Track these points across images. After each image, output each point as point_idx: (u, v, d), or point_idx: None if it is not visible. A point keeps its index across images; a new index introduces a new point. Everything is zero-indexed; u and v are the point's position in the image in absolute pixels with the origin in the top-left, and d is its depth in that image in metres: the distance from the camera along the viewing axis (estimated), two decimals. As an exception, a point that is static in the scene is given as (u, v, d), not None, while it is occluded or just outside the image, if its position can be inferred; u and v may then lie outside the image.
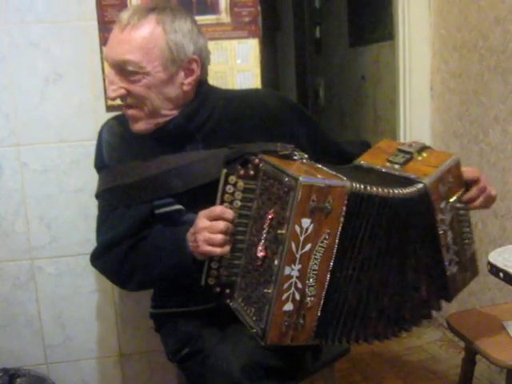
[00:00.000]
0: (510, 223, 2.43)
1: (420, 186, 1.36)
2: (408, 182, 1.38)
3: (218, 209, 1.38)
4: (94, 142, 1.68)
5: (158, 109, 1.53)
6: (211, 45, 1.66)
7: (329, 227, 1.26)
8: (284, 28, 5.50)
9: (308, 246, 1.25)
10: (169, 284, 1.64)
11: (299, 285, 1.27)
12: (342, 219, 1.27)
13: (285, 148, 1.43)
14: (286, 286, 1.26)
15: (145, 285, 1.64)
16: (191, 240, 1.42)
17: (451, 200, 1.43)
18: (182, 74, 1.53)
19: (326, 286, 1.29)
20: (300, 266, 1.25)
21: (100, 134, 1.68)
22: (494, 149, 2.48)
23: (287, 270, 1.25)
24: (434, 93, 2.90)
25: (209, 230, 1.37)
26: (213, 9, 2.07)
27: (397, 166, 1.47)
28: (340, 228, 1.27)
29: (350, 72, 4.15)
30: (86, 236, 2.10)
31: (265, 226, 1.30)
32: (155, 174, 1.55)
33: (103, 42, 1.99)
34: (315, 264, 1.27)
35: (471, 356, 1.86)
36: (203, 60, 1.57)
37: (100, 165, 1.66)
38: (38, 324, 2.20)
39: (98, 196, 1.65)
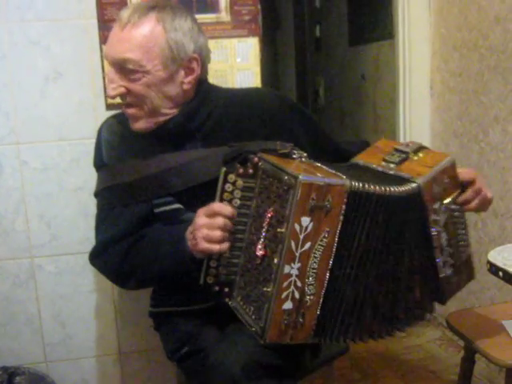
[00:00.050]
0: (510, 222, 2.43)
1: (413, 185, 1.36)
2: (401, 181, 1.38)
3: (216, 205, 1.38)
4: (94, 141, 1.68)
5: (157, 107, 1.53)
6: (211, 43, 1.66)
7: (328, 226, 1.26)
8: (284, 27, 5.51)
9: (307, 245, 1.25)
10: (168, 283, 1.64)
11: (299, 283, 1.27)
12: (341, 218, 1.27)
13: (284, 147, 1.43)
14: (285, 284, 1.26)
15: (144, 283, 1.64)
16: (190, 238, 1.42)
17: (446, 201, 1.42)
18: (182, 72, 1.53)
19: (325, 285, 1.30)
20: (299, 264, 1.25)
21: (99, 132, 1.67)
22: (494, 148, 2.48)
23: (287, 269, 1.25)
24: (434, 92, 2.90)
25: (207, 226, 1.37)
26: (213, 7, 2.07)
27: (392, 166, 1.46)
28: (339, 226, 1.28)
29: (350, 71, 4.15)
30: (85, 234, 2.10)
31: (264, 225, 1.30)
32: (155, 172, 1.55)
33: (103, 40, 1.99)
34: (315, 262, 1.27)
35: (470, 355, 1.86)
36: (203, 59, 1.57)
37: (99, 163, 1.65)
38: (38, 322, 2.20)
39: (96, 195, 1.65)
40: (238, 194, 1.39)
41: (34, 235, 2.13)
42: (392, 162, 1.47)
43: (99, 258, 1.61)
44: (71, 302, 2.20)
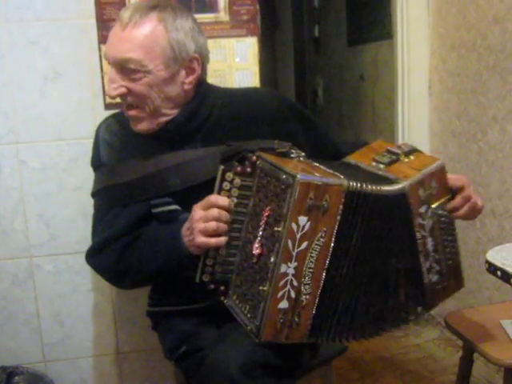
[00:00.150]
0: (508, 222, 2.43)
1: (397, 187, 1.35)
2: (387, 182, 1.38)
3: (212, 197, 1.39)
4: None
5: (158, 108, 1.52)
6: (210, 43, 1.66)
7: (325, 225, 1.27)
8: (283, 27, 5.51)
9: (304, 244, 1.25)
10: (165, 282, 1.64)
11: (295, 283, 1.27)
12: (338, 217, 1.28)
13: (282, 146, 1.44)
14: (281, 283, 1.26)
15: (140, 282, 1.64)
16: (187, 234, 1.42)
17: (433, 206, 1.40)
18: (183, 72, 1.53)
19: (321, 285, 1.30)
20: (296, 263, 1.26)
21: (97, 132, 1.67)
22: (493, 148, 2.48)
23: (283, 268, 1.25)
24: (433, 92, 2.90)
25: (203, 219, 1.37)
26: (211, 7, 2.07)
27: (381, 166, 1.46)
28: (336, 226, 1.28)
29: (349, 71, 4.15)
30: (84, 234, 2.09)
31: (261, 224, 1.31)
32: (153, 172, 1.55)
33: (102, 40, 1.99)
34: (311, 262, 1.27)
35: (469, 355, 1.86)
36: (203, 59, 1.57)
37: (97, 163, 1.65)
38: (37, 322, 2.20)
39: (94, 195, 1.65)
40: (235, 192, 1.39)
41: (32, 235, 2.13)
42: (382, 163, 1.47)
43: (95, 257, 1.61)
44: (70, 301, 2.20)
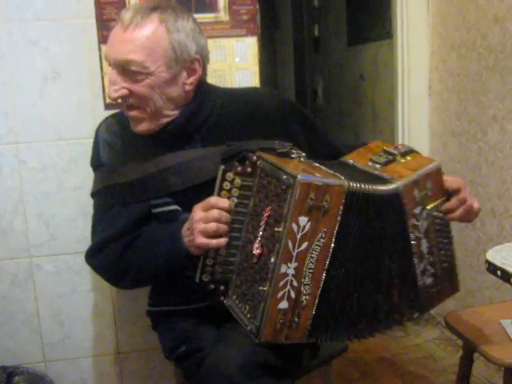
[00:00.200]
0: (508, 222, 2.43)
1: (391, 186, 1.34)
2: (382, 181, 1.37)
3: (212, 199, 1.39)
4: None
5: (160, 109, 1.52)
6: (210, 43, 1.66)
7: (326, 226, 1.27)
8: (282, 26, 5.51)
9: (304, 245, 1.25)
10: (164, 281, 1.64)
11: (295, 283, 1.27)
12: (338, 218, 1.28)
13: (283, 146, 1.44)
14: (281, 283, 1.26)
15: (139, 282, 1.64)
16: (187, 234, 1.43)
17: (428, 207, 1.39)
18: (184, 73, 1.52)
19: (321, 285, 1.30)
20: (296, 264, 1.26)
21: (97, 132, 1.67)
22: (493, 148, 2.48)
23: (283, 268, 1.25)
24: (433, 92, 2.90)
25: (204, 220, 1.37)
26: (211, 7, 2.07)
27: (378, 166, 1.45)
28: (337, 227, 1.28)
29: (349, 71, 4.15)
30: (84, 234, 2.09)
31: (261, 224, 1.31)
32: (153, 172, 1.55)
33: (102, 39, 1.99)
34: (311, 263, 1.27)
35: (469, 354, 1.86)
36: (204, 59, 1.57)
37: (96, 163, 1.65)
38: (37, 322, 2.20)
39: (93, 195, 1.65)
40: (235, 192, 1.39)
41: (32, 235, 2.13)
42: (378, 163, 1.46)
43: (95, 257, 1.61)
44: (70, 301, 2.20)
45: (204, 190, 1.46)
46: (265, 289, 1.27)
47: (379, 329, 1.42)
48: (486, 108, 2.50)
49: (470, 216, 1.50)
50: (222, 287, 1.43)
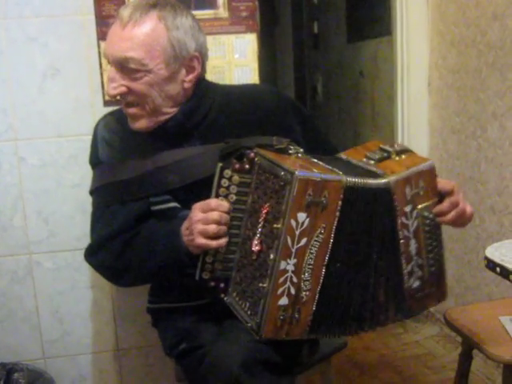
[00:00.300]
0: (508, 219, 2.43)
1: (383, 181, 1.33)
2: (373, 176, 1.35)
3: (212, 202, 1.39)
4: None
5: (159, 107, 1.52)
6: (209, 39, 1.66)
7: (324, 221, 1.27)
8: (282, 23, 5.50)
9: (303, 241, 1.25)
10: (163, 279, 1.64)
11: (294, 279, 1.27)
12: (337, 213, 1.28)
13: (280, 142, 1.43)
14: (281, 280, 1.26)
15: (139, 280, 1.64)
16: (186, 234, 1.43)
17: (419, 207, 1.37)
18: (183, 71, 1.52)
19: (321, 281, 1.30)
20: (295, 260, 1.26)
21: (95, 129, 1.67)
22: (492, 145, 2.48)
23: (283, 265, 1.25)
24: (432, 88, 2.90)
25: (203, 221, 1.37)
26: (211, 3, 2.07)
27: (372, 162, 1.43)
28: (336, 222, 1.28)
29: (348, 68, 4.15)
30: (83, 231, 2.08)
31: (260, 220, 1.31)
32: (151, 169, 1.55)
33: (101, 36, 1.99)
34: (311, 258, 1.27)
35: (468, 351, 1.87)
36: (203, 57, 1.57)
37: (95, 161, 1.65)
38: (36, 319, 2.20)
39: (92, 192, 1.65)
40: (233, 189, 1.39)
41: (31, 231, 2.13)
42: (372, 159, 1.44)
43: (94, 255, 1.61)
44: (69, 298, 2.20)
45: (202, 187, 1.46)
46: (265, 285, 1.27)
47: (364, 328, 1.41)
48: (485, 105, 2.50)
49: (461, 220, 1.47)
50: (222, 284, 1.43)
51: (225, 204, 1.38)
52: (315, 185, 1.24)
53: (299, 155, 1.42)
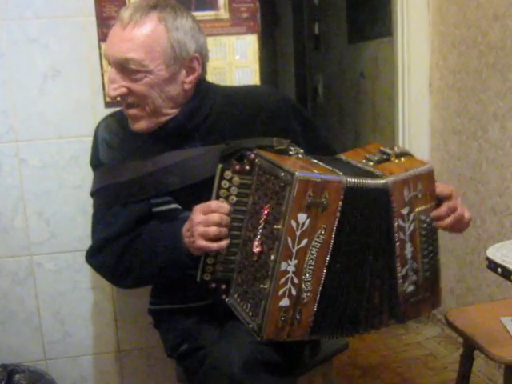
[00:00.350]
0: (509, 219, 2.43)
1: (380, 181, 1.32)
2: (371, 176, 1.35)
3: (213, 204, 1.39)
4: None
5: (159, 108, 1.52)
6: (210, 41, 1.66)
7: (325, 222, 1.27)
8: (283, 24, 5.51)
9: (304, 242, 1.25)
10: (165, 281, 1.65)
11: (295, 280, 1.27)
12: (338, 214, 1.28)
13: (281, 143, 1.43)
14: (282, 281, 1.26)
15: (140, 282, 1.64)
16: (187, 235, 1.43)
17: (417, 210, 1.36)
18: (183, 72, 1.52)
19: (322, 282, 1.30)
20: (296, 261, 1.26)
21: (96, 131, 1.67)
22: (493, 145, 2.48)
23: (283, 266, 1.25)
24: (433, 89, 2.90)
25: (204, 223, 1.37)
26: (211, 5, 2.07)
27: (370, 163, 1.43)
28: (336, 223, 1.28)
29: (349, 69, 4.15)
30: (84, 232, 2.09)
31: (261, 222, 1.31)
32: (152, 171, 1.55)
33: (102, 37, 1.99)
34: (311, 259, 1.27)
35: (469, 352, 1.86)
36: (203, 58, 1.57)
37: (95, 162, 1.65)
38: (37, 320, 2.20)
39: (93, 194, 1.65)
40: (234, 190, 1.39)
41: (32, 233, 2.13)
42: (371, 161, 1.44)
43: (95, 257, 1.61)
44: (70, 299, 2.20)
45: (203, 188, 1.46)
46: (266, 287, 1.27)
47: (359, 330, 1.40)
48: (486, 106, 2.50)
49: (459, 226, 1.46)
50: (223, 286, 1.43)
51: (225, 206, 1.38)
52: (315, 185, 1.24)
53: (300, 156, 1.42)
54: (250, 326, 1.33)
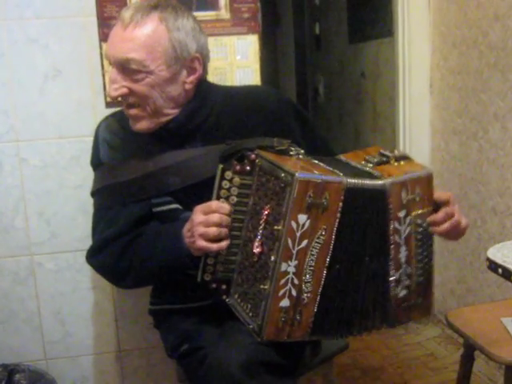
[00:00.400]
0: (509, 220, 2.43)
1: (379, 182, 1.32)
2: (370, 177, 1.35)
3: (213, 204, 1.39)
4: (93, 139, 1.68)
5: (160, 108, 1.52)
6: (211, 41, 1.65)
7: (325, 223, 1.27)
8: (283, 24, 5.50)
9: (304, 242, 1.25)
10: (165, 281, 1.65)
11: (296, 281, 1.27)
12: (338, 215, 1.28)
13: (281, 143, 1.43)
14: (282, 282, 1.26)
15: (141, 282, 1.64)
16: (187, 236, 1.43)
17: (413, 213, 1.36)
18: (184, 72, 1.52)
19: (322, 282, 1.30)
20: (296, 262, 1.26)
21: (97, 131, 1.67)
22: (494, 146, 2.48)
23: (284, 266, 1.25)
24: (434, 90, 2.90)
25: (204, 224, 1.37)
26: (212, 5, 2.07)
27: (370, 165, 1.43)
28: (336, 224, 1.28)
29: (350, 69, 4.15)
30: (85, 232, 2.08)
31: (261, 222, 1.31)
32: (152, 171, 1.55)
33: (103, 37, 1.99)
34: (312, 260, 1.27)
35: (470, 352, 1.86)
36: (204, 58, 1.57)
37: (96, 162, 1.65)
38: (38, 320, 2.20)
39: (93, 194, 1.65)
40: (234, 191, 1.39)
41: (33, 233, 2.13)
42: (370, 162, 1.43)
43: (95, 257, 1.61)
44: (71, 299, 2.20)
45: (204, 188, 1.46)
46: (266, 287, 1.27)
47: (353, 332, 1.40)
48: (487, 106, 2.49)
49: (456, 232, 1.45)
50: (223, 286, 1.43)
51: (226, 206, 1.38)
52: (316, 186, 1.24)
53: (300, 156, 1.42)
54: (251, 326, 1.33)
